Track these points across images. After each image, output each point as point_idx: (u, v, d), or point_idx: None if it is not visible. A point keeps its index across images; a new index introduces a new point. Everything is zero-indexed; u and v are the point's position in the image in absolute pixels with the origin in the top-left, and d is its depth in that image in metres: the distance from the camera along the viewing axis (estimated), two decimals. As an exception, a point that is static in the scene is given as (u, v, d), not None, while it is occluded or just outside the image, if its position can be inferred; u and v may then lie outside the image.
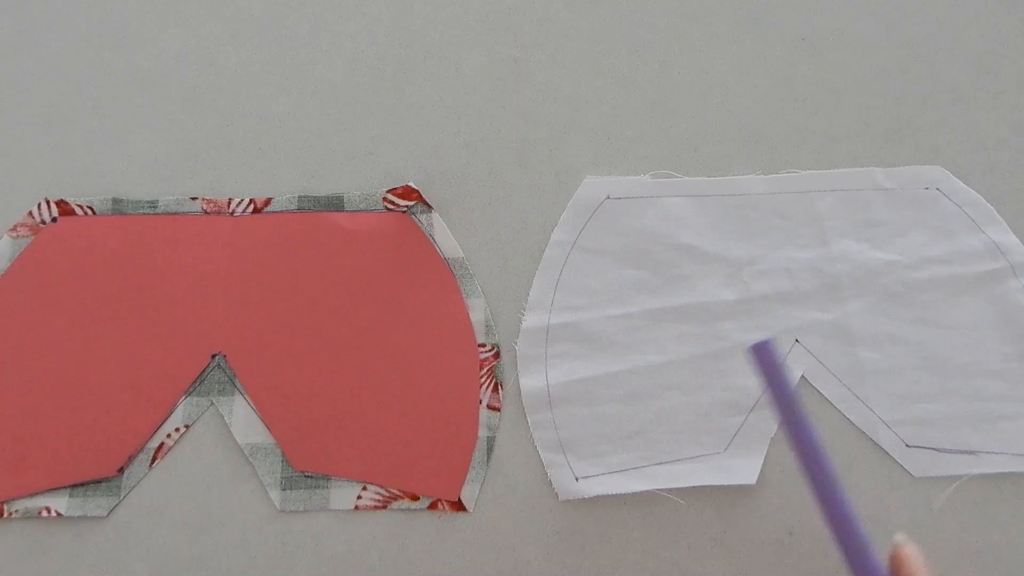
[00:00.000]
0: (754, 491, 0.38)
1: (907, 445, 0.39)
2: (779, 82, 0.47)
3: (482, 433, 0.39)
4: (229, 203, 0.43)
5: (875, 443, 0.39)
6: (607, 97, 0.47)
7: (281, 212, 0.43)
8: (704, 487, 0.38)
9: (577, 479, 0.38)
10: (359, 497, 0.38)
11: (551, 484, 0.39)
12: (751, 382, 0.40)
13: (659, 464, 0.39)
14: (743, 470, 0.38)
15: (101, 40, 0.48)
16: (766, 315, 0.41)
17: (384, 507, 0.38)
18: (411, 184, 0.44)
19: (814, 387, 0.40)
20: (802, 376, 0.40)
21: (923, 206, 0.44)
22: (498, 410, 0.40)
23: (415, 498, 0.38)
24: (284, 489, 0.38)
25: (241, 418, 0.39)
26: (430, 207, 0.43)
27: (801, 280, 0.42)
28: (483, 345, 0.41)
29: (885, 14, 0.48)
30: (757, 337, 0.41)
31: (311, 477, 0.38)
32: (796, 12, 0.48)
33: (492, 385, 0.40)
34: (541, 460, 0.39)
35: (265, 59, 0.47)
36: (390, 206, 0.43)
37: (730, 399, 0.40)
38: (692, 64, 0.47)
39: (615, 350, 0.41)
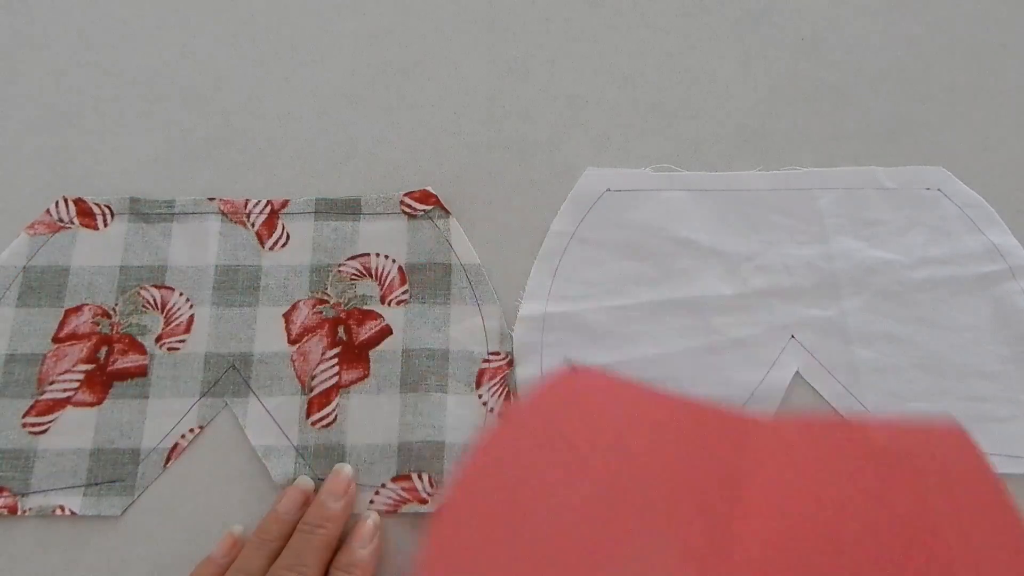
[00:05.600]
0: (753, 490, 0.39)
1: (901, 443, 0.39)
2: (779, 82, 0.47)
3: None
4: (246, 204, 0.44)
5: (869, 440, 0.39)
6: (607, 97, 0.47)
7: (803, 419, 0.36)
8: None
9: None
10: (371, 501, 0.38)
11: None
12: (745, 376, 0.40)
13: (651, 455, 0.39)
14: (735, 463, 0.38)
15: (103, 41, 0.48)
16: (763, 310, 0.41)
17: (395, 511, 0.38)
18: (429, 188, 0.44)
19: (809, 383, 0.40)
20: (797, 372, 0.40)
21: (924, 206, 0.44)
22: None
23: (424, 501, 0.38)
24: None
25: (255, 420, 0.40)
26: (447, 212, 0.43)
27: (799, 276, 0.42)
28: (496, 353, 0.41)
29: (885, 14, 0.48)
30: (753, 332, 0.41)
31: (323, 479, 0.38)
32: (796, 12, 0.49)
33: (504, 393, 0.40)
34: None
35: (263, 60, 0.48)
36: (407, 210, 0.44)
37: (724, 393, 0.40)
38: (692, 64, 0.47)
39: (611, 341, 0.41)
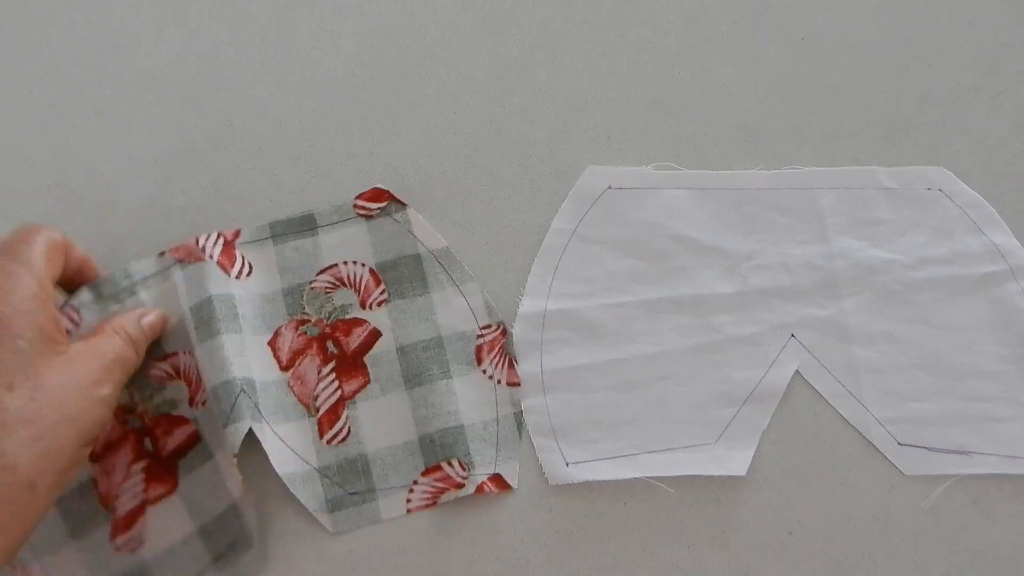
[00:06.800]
0: (754, 491, 0.39)
1: (899, 443, 0.39)
2: (779, 82, 0.47)
3: (507, 411, 0.39)
4: (197, 241, 0.41)
5: (867, 440, 0.39)
6: (607, 97, 0.47)
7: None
8: (699, 482, 0.38)
9: (567, 464, 0.38)
10: (408, 500, 0.38)
11: (544, 475, 0.39)
12: (745, 375, 0.40)
13: (650, 453, 0.39)
14: (734, 461, 0.38)
15: (103, 41, 0.48)
16: (762, 309, 0.41)
17: (434, 503, 0.38)
18: (379, 186, 0.43)
19: (808, 383, 0.40)
20: (796, 371, 0.40)
21: (925, 206, 0.44)
22: (518, 385, 0.40)
23: (460, 486, 0.38)
24: (332, 511, 0.38)
25: (273, 448, 0.38)
26: (404, 204, 0.43)
27: (799, 276, 0.42)
28: (488, 326, 0.41)
29: (885, 14, 0.48)
30: (753, 331, 0.41)
31: (356, 493, 0.38)
32: (796, 12, 0.49)
33: (507, 362, 0.40)
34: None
35: (263, 60, 0.48)
36: (363, 212, 0.43)
37: (723, 391, 0.40)
38: (692, 64, 0.47)
39: (610, 339, 0.41)
